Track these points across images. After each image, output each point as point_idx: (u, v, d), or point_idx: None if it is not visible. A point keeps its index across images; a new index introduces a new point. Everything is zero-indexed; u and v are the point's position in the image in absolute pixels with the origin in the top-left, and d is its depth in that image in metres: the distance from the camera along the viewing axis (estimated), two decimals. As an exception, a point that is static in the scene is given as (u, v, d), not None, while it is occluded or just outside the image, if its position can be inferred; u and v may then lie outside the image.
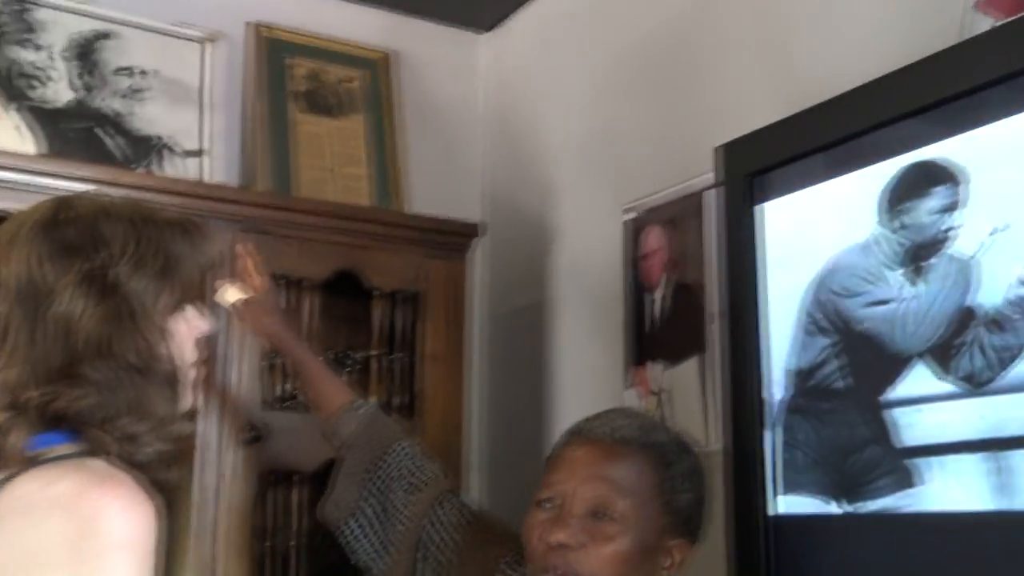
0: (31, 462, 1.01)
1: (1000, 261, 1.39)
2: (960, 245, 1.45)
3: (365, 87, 2.57)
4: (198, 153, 2.33)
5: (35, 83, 2.21)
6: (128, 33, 2.34)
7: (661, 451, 1.41)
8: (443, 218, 2.33)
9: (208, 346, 1.23)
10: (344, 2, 2.63)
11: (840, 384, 1.60)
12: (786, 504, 1.66)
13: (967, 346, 1.42)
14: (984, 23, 1.52)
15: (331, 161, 2.46)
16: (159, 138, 2.30)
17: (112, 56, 2.31)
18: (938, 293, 1.47)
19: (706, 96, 2.07)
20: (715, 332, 1.91)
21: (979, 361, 1.40)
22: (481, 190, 2.75)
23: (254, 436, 2.03)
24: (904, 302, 1.51)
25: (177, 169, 2.29)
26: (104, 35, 2.31)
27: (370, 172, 2.49)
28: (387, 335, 2.26)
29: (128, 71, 2.32)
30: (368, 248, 2.22)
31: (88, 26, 2.30)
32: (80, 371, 1.05)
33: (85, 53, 2.28)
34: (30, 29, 2.24)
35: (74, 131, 2.23)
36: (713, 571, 1.77)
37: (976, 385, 1.40)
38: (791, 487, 1.65)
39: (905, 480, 1.48)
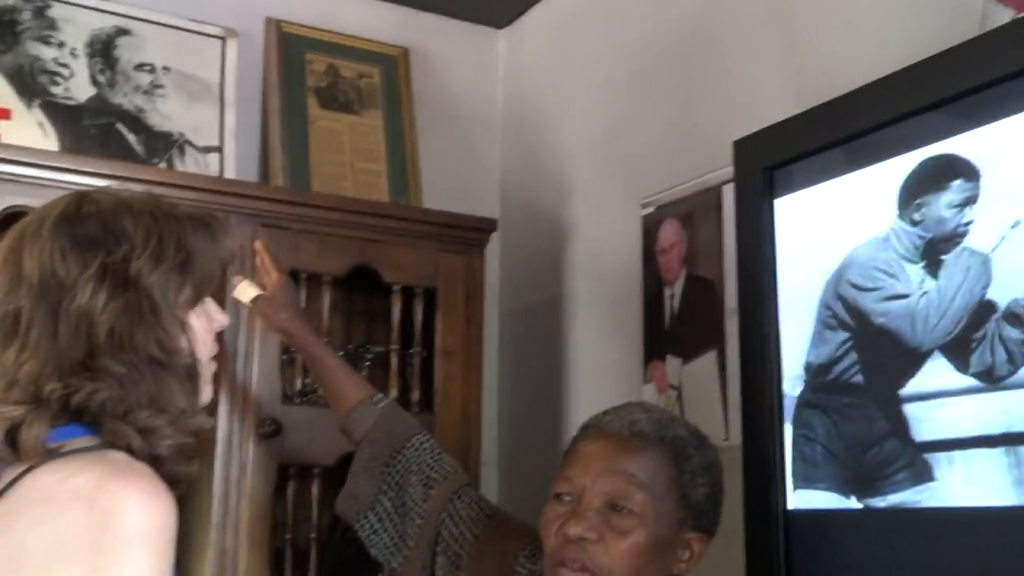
0: (51, 454, 1.02)
1: (1018, 255, 1.38)
2: (978, 239, 1.44)
3: (382, 83, 2.58)
4: (216, 149, 2.35)
5: (57, 79, 2.23)
6: (147, 30, 2.35)
7: (678, 445, 1.41)
8: (459, 213, 2.34)
9: (221, 340, 1.23)
10: (361, -2, 2.64)
11: (857, 378, 1.59)
12: (802, 499, 1.66)
13: (985, 340, 1.41)
14: (1004, 15, 1.51)
15: (348, 157, 2.47)
16: (178, 134, 2.32)
17: (131, 53, 2.32)
18: (956, 287, 1.46)
19: (723, 90, 2.06)
20: (733, 327, 1.91)
21: (997, 355, 1.39)
22: (497, 185, 2.75)
23: (272, 430, 2.04)
24: (922, 296, 1.51)
25: (195, 165, 2.31)
26: (123, 32, 2.33)
27: (387, 168, 2.49)
28: (405, 330, 2.26)
29: (147, 68, 2.34)
30: (385, 243, 2.22)
31: (108, 23, 2.32)
32: (100, 364, 1.06)
33: (105, 50, 2.30)
34: (51, 26, 2.26)
35: (94, 127, 2.24)
36: (729, 566, 1.77)
37: (994, 379, 1.39)
38: (807, 482, 1.65)
39: (922, 475, 1.48)
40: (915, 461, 1.49)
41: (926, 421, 1.48)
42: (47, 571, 0.94)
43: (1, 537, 0.97)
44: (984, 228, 1.43)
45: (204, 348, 1.17)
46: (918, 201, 1.53)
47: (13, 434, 1.02)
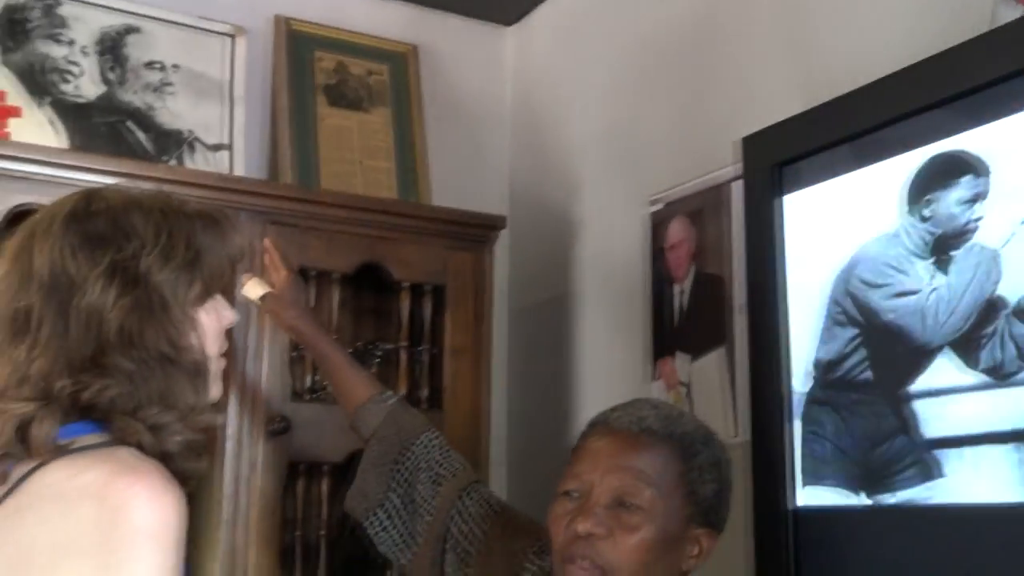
0: (61, 451, 1.02)
1: (1028, 251, 1.38)
2: (986, 236, 1.44)
3: (391, 80, 2.58)
4: (225, 147, 2.35)
5: (66, 77, 2.24)
6: (156, 28, 2.36)
7: (685, 441, 1.41)
8: (467, 211, 2.34)
9: (230, 337, 1.24)
10: (369, -4, 2.65)
11: (866, 375, 1.59)
12: (811, 495, 1.66)
13: (995, 337, 1.41)
14: (1013, 12, 1.51)
15: (357, 154, 2.47)
16: (187, 132, 2.32)
17: (139, 51, 2.33)
18: (966, 283, 1.46)
19: (730, 87, 2.06)
20: (741, 323, 1.91)
21: (1007, 352, 1.39)
22: (506, 182, 2.75)
23: (282, 427, 2.05)
24: (931, 293, 1.50)
25: (204, 163, 2.31)
26: (133, 30, 2.33)
27: (396, 165, 2.49)
28: (414, 327, 2.26)
29: (156, 65, 2.34)
30: (393, 241, 2.23)
31: (117, 21, 2.32)
32: (109, 361, 1.06)
33: (114, 48, 2.31)
34: (60, 24, 2.26)
35: (103, 125, 2.25)
36: (736, 562, 1.77)
37: (1004, 376, 1.39)
38: (816, 478, 1.65)
39: (931, 471, 1.47)
40: (924, 458, 1.48)
41: (935, 418, 1.48)
42: (56, 567, 0.94)
43: (11, 533, 0.97)
44: (993, 224, 1.43)
45: (213, 345, 1.17)
46: (927, 197, 1.53)
47: (23, 431, 1.02)
